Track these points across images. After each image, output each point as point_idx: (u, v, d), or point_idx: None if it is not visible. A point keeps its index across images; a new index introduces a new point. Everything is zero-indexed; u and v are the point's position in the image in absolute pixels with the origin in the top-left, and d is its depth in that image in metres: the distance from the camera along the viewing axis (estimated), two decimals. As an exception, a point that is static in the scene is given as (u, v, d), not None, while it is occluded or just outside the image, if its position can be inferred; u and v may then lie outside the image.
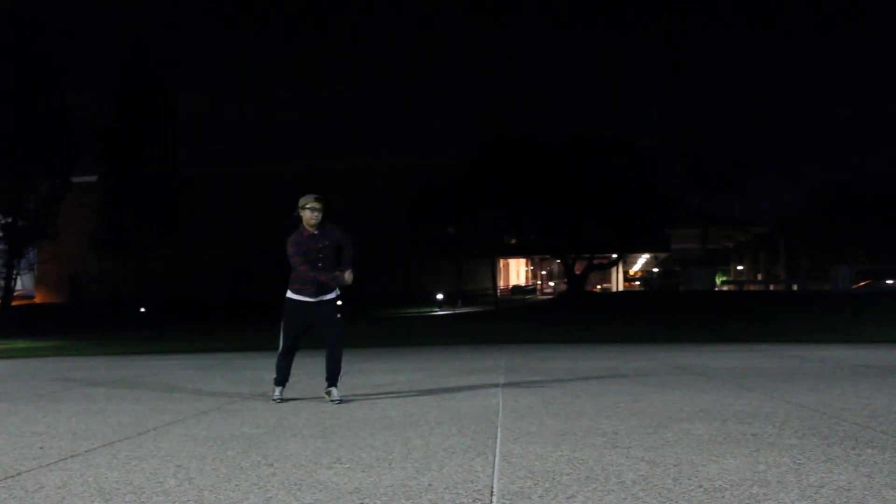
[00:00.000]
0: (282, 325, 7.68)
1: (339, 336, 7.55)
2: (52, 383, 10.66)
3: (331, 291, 7.54)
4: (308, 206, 7.46)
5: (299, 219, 7.51)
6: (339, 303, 7.54)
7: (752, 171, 58.17)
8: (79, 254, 58.77)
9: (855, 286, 54.86)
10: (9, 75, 44.98)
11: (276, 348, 7.75)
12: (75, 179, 50.72)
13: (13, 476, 4.35)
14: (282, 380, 7.71)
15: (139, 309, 47.33)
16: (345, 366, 7.40)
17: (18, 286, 53.28)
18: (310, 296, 7.47)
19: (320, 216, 7.50)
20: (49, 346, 25.76)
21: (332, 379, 7.52)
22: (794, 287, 65.43)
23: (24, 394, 9.18)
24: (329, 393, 7.49)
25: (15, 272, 48.41)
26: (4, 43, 45.59)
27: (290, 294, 7.53)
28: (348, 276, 7.50)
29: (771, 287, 71.44)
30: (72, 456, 4.94)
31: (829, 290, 51.69)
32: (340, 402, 7.39)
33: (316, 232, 7.50)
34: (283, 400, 7.59)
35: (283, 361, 7.68)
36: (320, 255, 7.48)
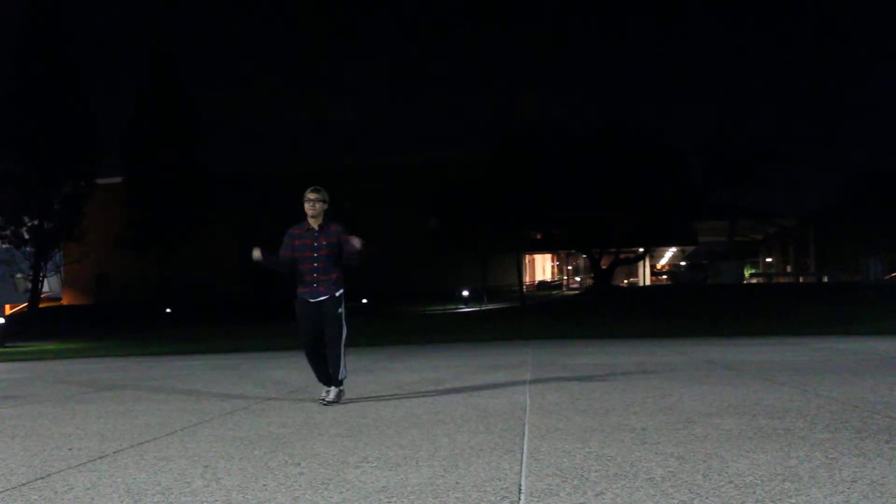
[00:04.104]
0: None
1: (335, 335, 7.17)
2: (80, 385, 10.76)
3: (327, 292, 7.18)
4: (305, 196, 7.19)
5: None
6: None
7: (781, 163, 57.38)
8: (105, 255, 59.30)
9: (887, 277, 54.28)
10: (33, 78, 45.45)
11: (301, 348, 7.53)
12: (101, 181, 51.20)
13: (43, 477, 4.38)
14: (319, 378, 7.38)
15: (165, 310, 47.69)
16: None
17: (45, 288, 53.79)
18: (309, 296, 7.20)
19: (317, 207, 7.16)
20: (76, 347, 26.04)
21: (332, 379, 7.26)
22: (825, 279, 64.87)
23: (52, 395, 9.26)
24: (328, 392, 7.24)
25: (42, 274, 48.89)
26: (29, 46, 46.09)
27: (298, 293, 7.29)
28: (356, 241, 7.05)
29: (801, 279, 70.89)
30: (100, 457, 4.96)
31: (859, 282, 51.18)
32: (327, 403, 7.13)
33: (316, 229, 7.20)
34: (325, 401, 7.21)
35: (309, 360, 7.40)
36: (315, 255, 7.16)
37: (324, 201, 7.23)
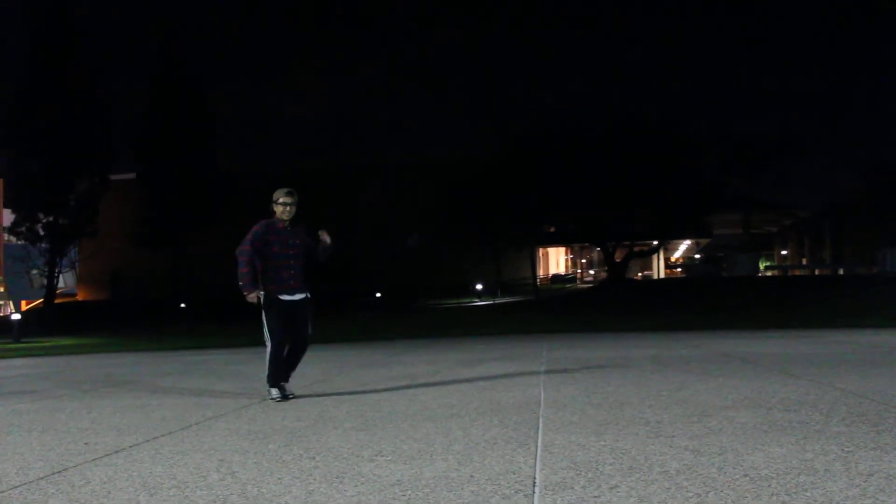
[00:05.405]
0: (265, 322, 7.41)
1: (309, 335, 7.47)
2: (96, 380, 10.81)
3: (302, 291, 7.38)
4: (280, 200, 7.27)
5: (272, 213, 7.35)
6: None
7: (797, 154, 56.92)
8: (120, 251, 59.50)
9: (903, 269, 53.84)
10: (46, 76, 45.66)
11: (274, 347, 7.46)
12: (116, 177, 51.37)
13: (60, 471, 4.40)
14: (279, 378, 7.42)
15: (179, 305, 47.81)
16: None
17: (61, 284, 54.06)
18: (284, 294, 7.29)
19: (293, 211, 7.31)
20: (92, 342, 26.15)
21: (288, 374, 7.51)
22: (840, 271, 64.46)
23: (68, 390, 9.31)
24: (269, 392, 7.37)
25: (57, 270, 49.12)
26: (42, 45, 46.28)
27: (268, 290, 7.30)
28: (326, 236, 7.50)
29: (816, 271, 70.49)
30: (116, 451, 4.99)
31: (876, 274, 50.83)
32: (288, 398, 7.29)
33: (289, 228, 7.34)
34: (284, 398, 7.30)
35: (278, 361, 7.39)
36: (291, 253, 7.30)
37: (297, 205, 7.39)
